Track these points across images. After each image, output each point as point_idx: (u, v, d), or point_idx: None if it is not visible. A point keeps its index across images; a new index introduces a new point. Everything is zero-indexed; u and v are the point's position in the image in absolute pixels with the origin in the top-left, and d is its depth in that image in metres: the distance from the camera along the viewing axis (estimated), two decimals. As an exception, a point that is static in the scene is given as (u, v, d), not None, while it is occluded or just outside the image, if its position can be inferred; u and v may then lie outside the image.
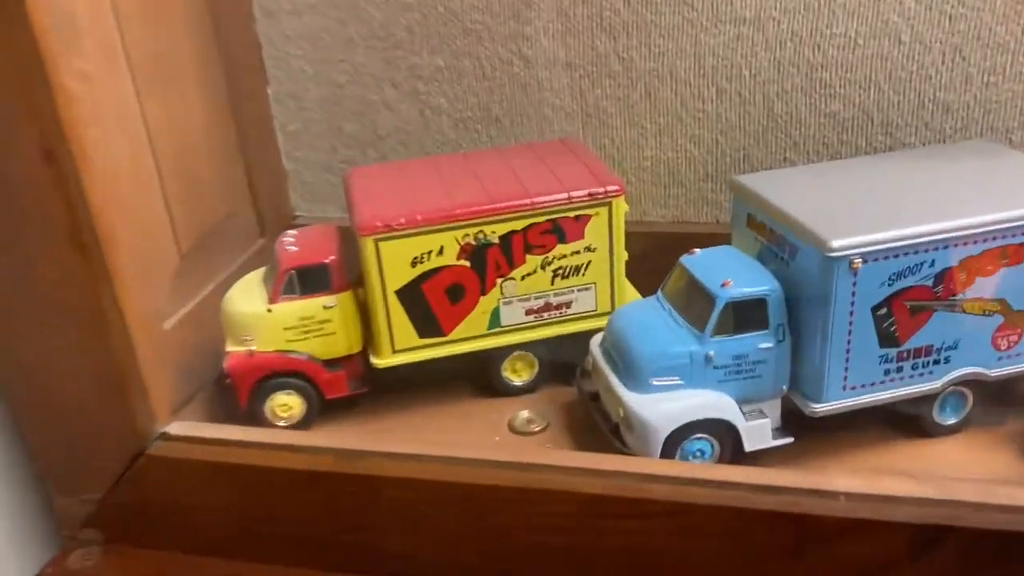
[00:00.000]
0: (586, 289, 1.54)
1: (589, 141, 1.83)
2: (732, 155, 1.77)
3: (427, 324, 1.51)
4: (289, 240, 1.57)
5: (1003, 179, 1.37)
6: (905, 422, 1.41)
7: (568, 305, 1.55)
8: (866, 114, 1.67)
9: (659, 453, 1.30)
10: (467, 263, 1.48)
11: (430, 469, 1.25)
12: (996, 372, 1.36)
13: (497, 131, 1.87)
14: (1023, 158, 1.45)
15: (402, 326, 1.50)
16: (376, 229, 1.42)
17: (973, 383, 1.36)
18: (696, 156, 1.78)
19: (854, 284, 1.24)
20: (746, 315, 1.30)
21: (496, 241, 1.47)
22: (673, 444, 1.31)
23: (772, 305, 1.30)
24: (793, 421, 1.38)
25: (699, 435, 1.32)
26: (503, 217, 1.46)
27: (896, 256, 1.24)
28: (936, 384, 1.34)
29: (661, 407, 1.30)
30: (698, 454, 1.33)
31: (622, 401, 1.34)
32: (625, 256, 1.55)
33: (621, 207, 1.50)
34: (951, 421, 1.39)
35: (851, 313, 1.26)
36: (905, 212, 1.28)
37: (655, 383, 1.32)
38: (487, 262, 1.48)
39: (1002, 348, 1.35)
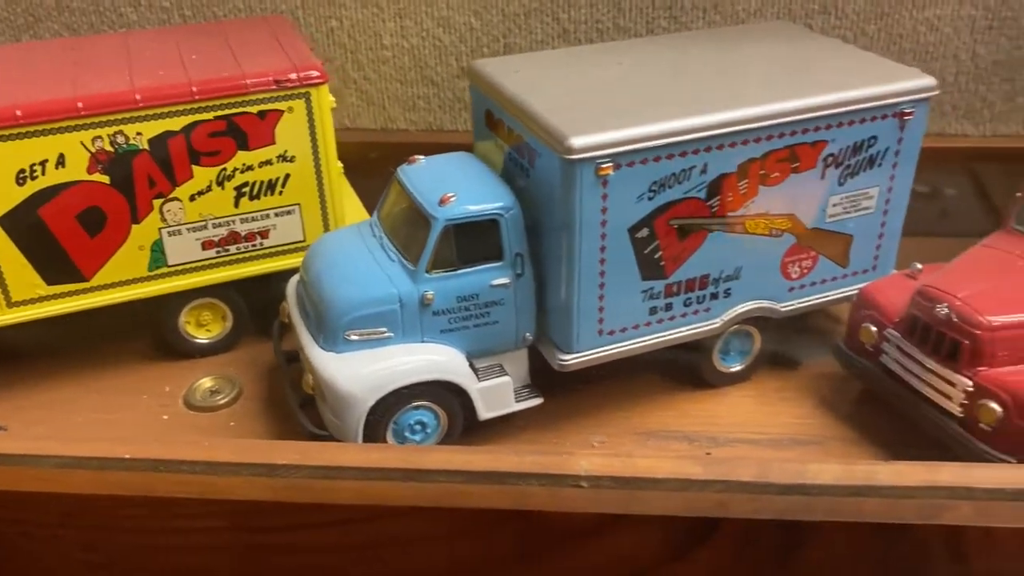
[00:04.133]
0: (288, 212, 1.17)
1: (311, 23, 1.43)
2: (490, 44, 1.42)
3: (56, 265, 1.09)
4: None
5: (795, 65, 1.09)
6: (685, 370, 1.14)
7: (264, 234, 1.17)
8: (647, -7, 1.36)
9: (361, 432, 0.97)
10: (106, 178, 1.06)
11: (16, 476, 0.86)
12: (787, 306, 1.11)
13: (193, 10, 1.43)
14: (824, 42, 1.18)
15: (17, 269, 1.08)
16: (-55, 128, 0.98)
17: (761, 320, 1.11)
18: (446, 44, 1.42)
19: (604, 198, 0.93)
20: (474, 242, 0.97)
21: (144, 146, 1.07)
22: (381, 418, 0.98)
23: (507, 228, 0.97)
24: (550, 376, 1.08)
25: (418, 404, 0.99)
26: (150, 112, 1.05)
27: (658, 160, 0.94)
28: (715, 324, 1.07)
29: (360, 370, 0.96)
30: (417, 428, 1.01)
31: (311, 364, 0.98)
32: (339, 167, 1.18)
33: (324, 100, 1.12)
34: (736, 367, 1.14)
35: (603, 236, 0.96)
36: (671, 104, 0.97)
37: (353, 338, 0.97)
38: (135, 177, 1.08)
39: (793, 277, 1.09)
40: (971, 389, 0.93)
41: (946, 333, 0.95)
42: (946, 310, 0.95)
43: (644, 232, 0.97)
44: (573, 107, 0.97)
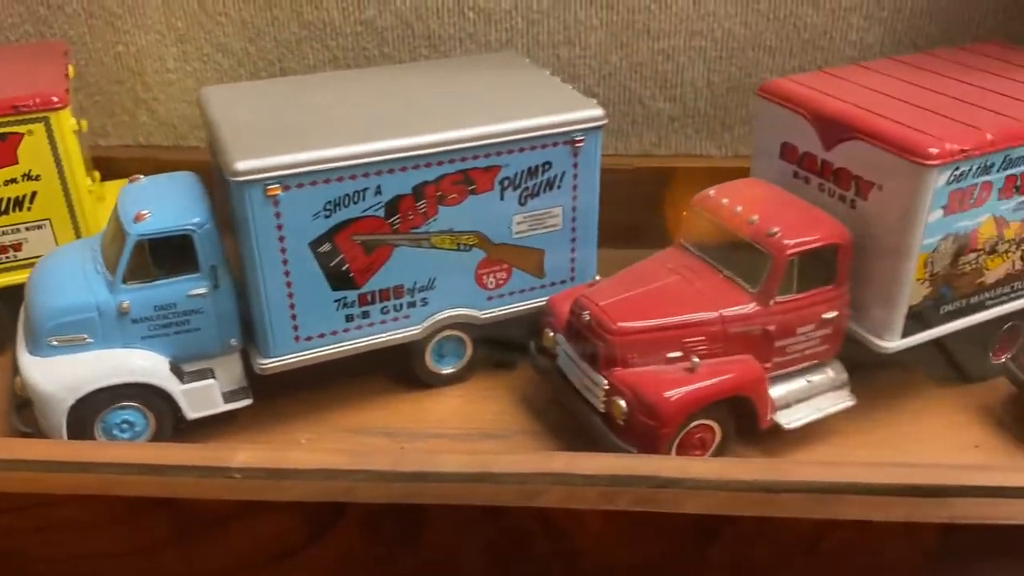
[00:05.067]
0: (38, 227, 1.25)
1: (99, 48, 1.51)
2: (267, 68, 1.52)
3: None
4: None
5: (487, 95, 1.19)
6: (404, 372, 1.24)
7: (17, 247, 1.26)
8: (405, 23, 1.47)
9: (65, 430, 1.05)
10: None
11: None
12: (488, 314, 1.21)
13: (-11, 34, 1.51)
14: (532, 74, 1.28)
15: None
16: None
17: (467, 327, 1.21)
18: (226, 68, 1.52)
19: (277, 216, 1.03)
20: (169, 256, 1.07)
21: None
22: (87, 417, 1.06)
23: (201, 243, 1.07)
24: (276, 379, 1.17)
25: (123, 404, 1.08)
26: None
27: (328, 182, 1.04)
28: (416, 330, 1.17)
29: (59, 373, 1.05)
30: (124, 427, 1.10)
31: (20, 368, 1.07)
32: (86, 184, 1.27)
33: (65, 124, 1.21)
34: (450, 369, 1.24)
35: (283, 251, 1.05)
36: (351, 130, 1.08)
37: (55, 343, 1.06)
38: None
39: (490, 287, 1.19)
40: (607, 387, 1.04)
41: (589, 337, 1.06)
42: (588, 316, 1.05)
43: (326, 247, 1.07)
44: (256, 132, 1.07)
